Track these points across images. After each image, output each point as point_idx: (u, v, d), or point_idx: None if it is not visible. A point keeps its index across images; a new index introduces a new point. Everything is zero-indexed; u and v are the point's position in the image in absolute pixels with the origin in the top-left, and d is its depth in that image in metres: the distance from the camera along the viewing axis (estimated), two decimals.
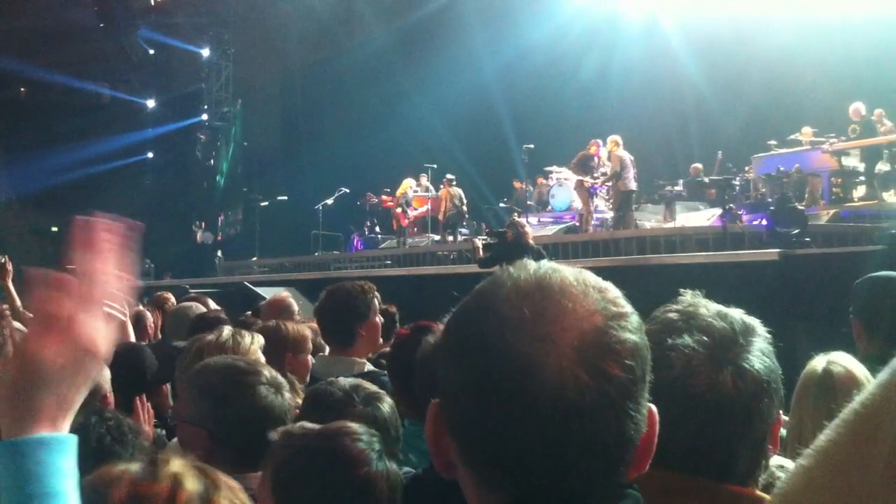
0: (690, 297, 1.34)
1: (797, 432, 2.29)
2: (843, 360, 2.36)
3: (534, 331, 0.84)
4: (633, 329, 0.88)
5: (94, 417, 1.93)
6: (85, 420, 1.89)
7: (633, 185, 13.76)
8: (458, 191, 16.89)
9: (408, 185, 18.32)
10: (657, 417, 0.91)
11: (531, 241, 9.43)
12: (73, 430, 1.85)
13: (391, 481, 1.69)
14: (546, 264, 0.92)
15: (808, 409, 2.28)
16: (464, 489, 0.92)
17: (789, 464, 1.65)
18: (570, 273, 0.90)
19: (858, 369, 2.32)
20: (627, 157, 13.64)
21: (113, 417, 1.96)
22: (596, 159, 14.64)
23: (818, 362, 2.37)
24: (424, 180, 18.34)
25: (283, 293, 5.82)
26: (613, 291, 0.91)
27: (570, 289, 0.88)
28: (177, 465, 1.24)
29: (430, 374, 0.94)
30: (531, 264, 0.92)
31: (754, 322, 1.31)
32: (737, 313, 1.31)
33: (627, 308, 0.90)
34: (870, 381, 2.25)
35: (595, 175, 14.49)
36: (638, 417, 0.87)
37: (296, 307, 5.54)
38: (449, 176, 17.10)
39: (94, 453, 1.78)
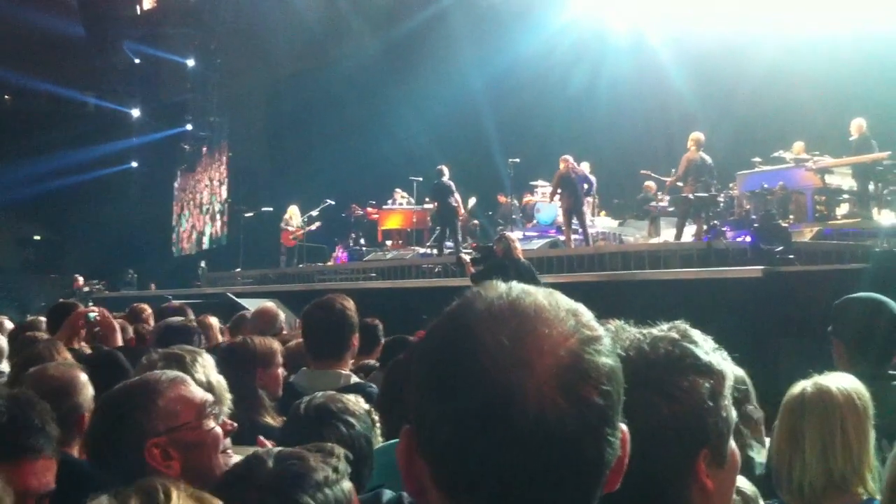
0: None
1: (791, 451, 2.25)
2: (840, 381, 2.31)
3: (512, 358, 0.84)
4: (607, 352, 0.88)
5: None
6: None
7: (698, 192, 12.56)
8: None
9: (293, 212, 19.60)
10: (629, 437, 0.91)
11: (521, 256, 9.39)
12: None
13: None
14: (517, 286, 0.91)
15: (804, 428, 2.23)
16: None
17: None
18: (543, 295, 0.90)
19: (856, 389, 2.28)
20: (699, 161, 12.60)
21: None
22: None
23: (809, 382, 2.32)
24: (399, 196, 18.39)
25: (269, 304, 5.80)
26: (586, 314, 0.90)
27: (544, 313, 0.87)
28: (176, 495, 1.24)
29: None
30: (501, 286, 0.91)
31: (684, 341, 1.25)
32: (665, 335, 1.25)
33: (600, 331, 0.89)
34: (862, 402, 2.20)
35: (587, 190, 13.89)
36: (614, 441, 0.87)
37: (283, 318, 5.53)
38: None
39: None
